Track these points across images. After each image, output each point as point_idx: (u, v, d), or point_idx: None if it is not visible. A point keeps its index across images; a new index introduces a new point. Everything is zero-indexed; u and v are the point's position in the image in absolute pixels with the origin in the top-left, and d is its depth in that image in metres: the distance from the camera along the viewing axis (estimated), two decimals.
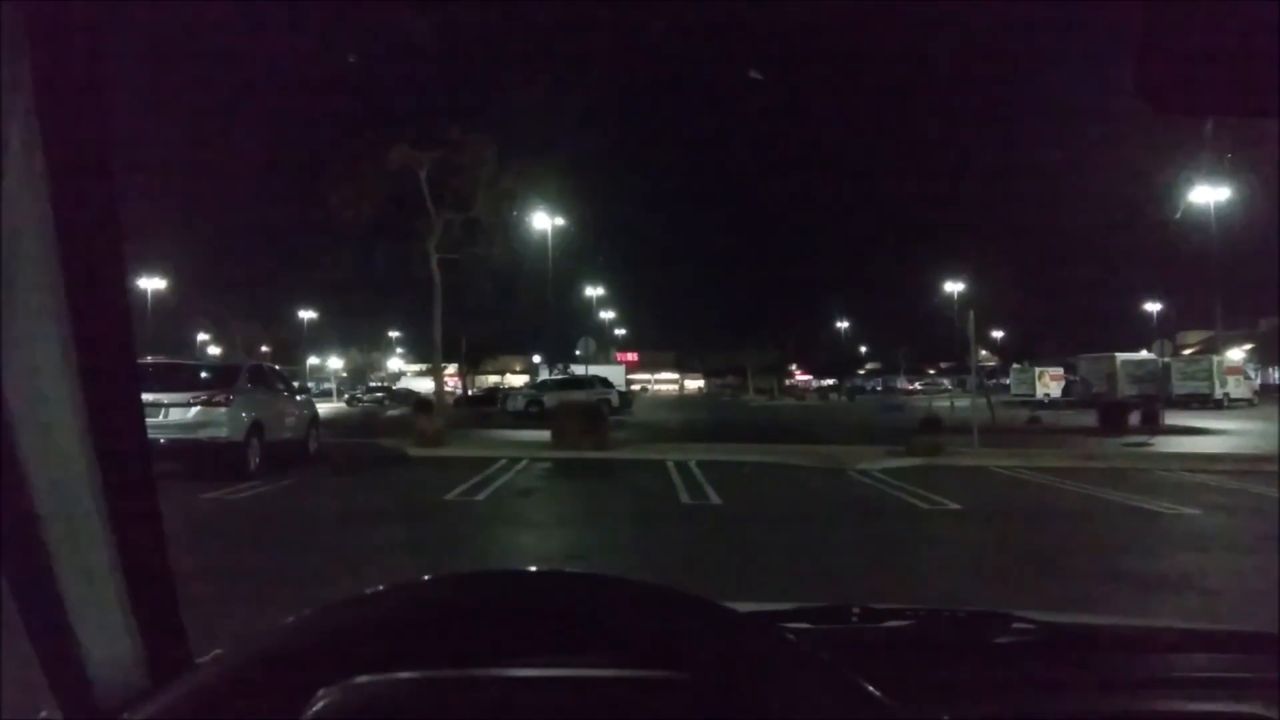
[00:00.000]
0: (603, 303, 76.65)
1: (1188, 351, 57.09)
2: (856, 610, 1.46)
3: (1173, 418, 29.89)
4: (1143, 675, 1.26)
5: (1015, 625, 1.38)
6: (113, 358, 1.02)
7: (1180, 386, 44.41)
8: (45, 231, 0.92)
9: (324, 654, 0.73)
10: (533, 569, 0.76)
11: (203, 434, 13.92)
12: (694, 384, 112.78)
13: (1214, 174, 38.91)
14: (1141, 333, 61.15)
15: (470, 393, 53.55)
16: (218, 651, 0.77)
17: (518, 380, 68.59)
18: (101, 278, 0.99)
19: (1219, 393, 44.74)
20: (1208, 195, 41.99)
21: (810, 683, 0.67)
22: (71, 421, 0.95)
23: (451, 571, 0.74)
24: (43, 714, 0.90)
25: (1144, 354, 48.38)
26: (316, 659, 0.73)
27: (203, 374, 15.43)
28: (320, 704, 0.85)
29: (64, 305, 0.94)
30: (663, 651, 0.71)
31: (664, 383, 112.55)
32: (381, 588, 0.75)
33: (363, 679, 0.87)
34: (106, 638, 0.96)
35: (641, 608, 0.71)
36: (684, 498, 12.81)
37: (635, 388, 73.68)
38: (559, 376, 44.02)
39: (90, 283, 0.97)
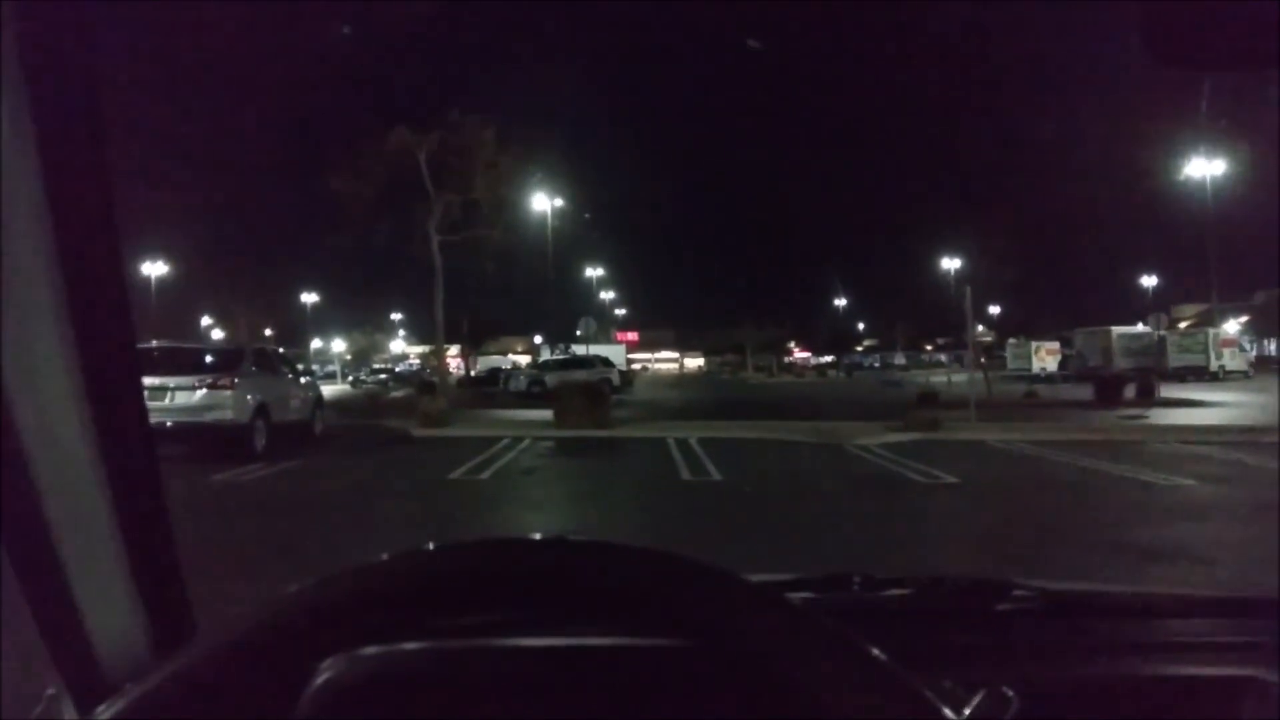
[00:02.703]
0: (603, 283, 76.80)
1: (1183, 324, 57.18)
2: (858, 579, 1.45)
3: (1168, 390, 30.00)
4: (1144, 640, 1.26)
5: (1015, 593, 1.37)
6: (111, 338, 1.01)
7: (1176, 359, 44.44)
8: (41, 220, 0.92)
9: (328, 624, 0.71)
10: (537, 536, 0.75)
11: (209, 417, 14.08)
12: (694, 362, 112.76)
13: (1211, 143, 38.89)
14: (1137, 306, 61.38)
15: (473, 373, 53.57)
16: (221, 622, 0.74)
17: (520, 360, 68.62)
18: (97, 260, 0.99)
19: (1214, 365, 44.81)
20: (1203, 167, 42.02)
21: (819, 649, 0.66)
22: (71, 400, 0.95)
23: (452, 540, 0.73)
24: (48, 690, 0.90)
25: (1140, 327, 48.50)
26: (320, 629, 0.71)
27: (207, 357, 15.56)
28: (325, 675, 0.85)
29: (61, 287, 0.94)
30: (670, 619, 0.69)
31: (664, 361, 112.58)
32: (385, 557, 0.72)
33: (368, 650, 0.88)
34: (110, 613, 0.96)
35: (648, 574, 0.69)
36: (685, 474, 12.95)
37: (636, 367, 73.87)
38: (560, 356, 44.14)
39: (87, 266, 0.96)
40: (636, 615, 0.70)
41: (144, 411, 1.09)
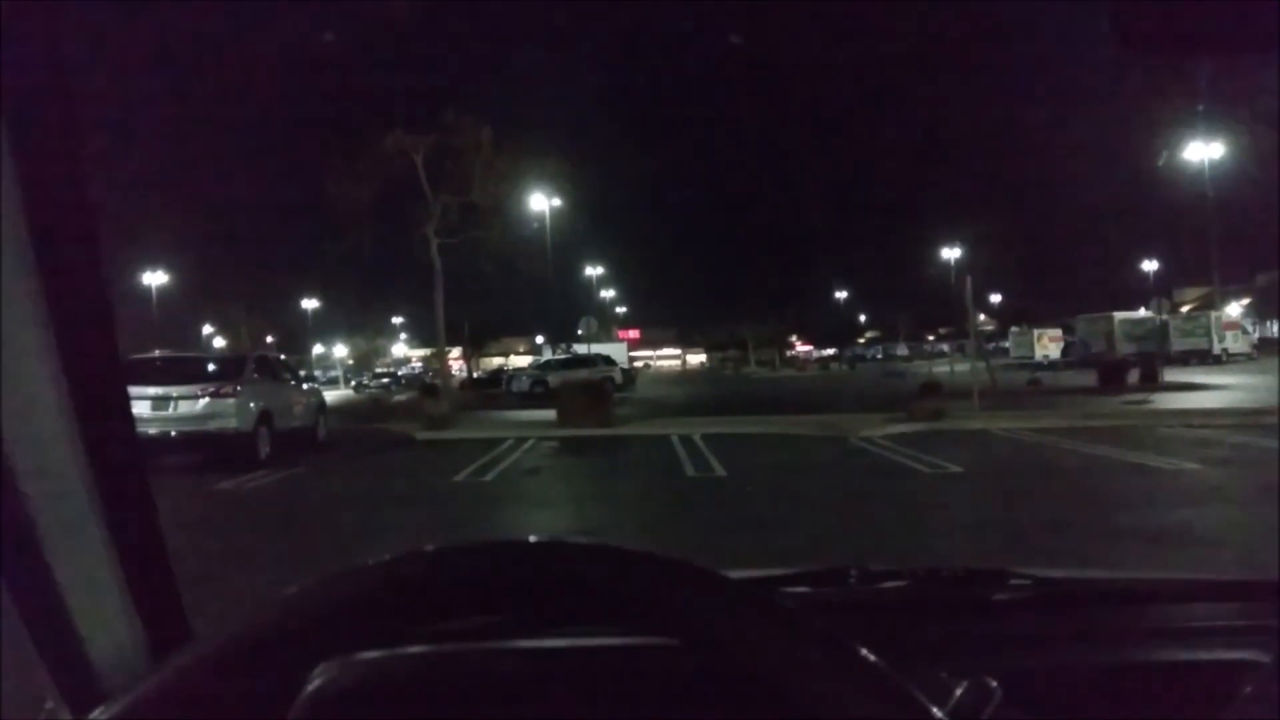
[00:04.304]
0: (603, 281, 76.85)
1: (1185, 308, 57.15)
2: (854, 573, 1.44)
3: (1172, 374, 30.04)
4: (1141, 627, 1.26)
5: (1012, 582, 1.37)
6: (96, 354, 1.00)
7: (1179, 343, 44.49)
8: (19, 235, 0.91)
9: (323, 628, 0.70)
10: (529, 539, 0.74)
11: (212, 425, 14.08)
12: (696, 359, 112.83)
13: (1209, 121, 38.82)
14: (1139, 291, 61.35)
15: (475, 375, 53.62)
16: (215, 626, 0.73)
17: (522, 361, 68.75)
18: (80, 276, 0.98)
19: (1217, 348, 44.86)
20: (1202, 149, 41.94)
21: (800, 646, 0.66)
22: (59, 419, 0.95)
23: (449, 543, 0.73)
24: (47, 705, 0.90)
25: (1142, 312, 48.54)
26: (315, 633, 0.70)
27: (210, 366, 15.59)
28: (319, 680, 0.86)
29: (45, 308, 0.93)
30: (655, 618, 0.69)
31: (666, 358, 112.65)
32: (379, 560, 0.72)
33: (364, 655, 0.88)
34: (105, 622, 0.96)
35: (633, 575, 0.70)
36: (689, 471, 12.96)
37: (638, 364, 73.96)
38: (562, 356, 44.16)
39: (69, 282, 0.96)
40: (626, 616, 0.71)
41: (131, 419, 1.09)
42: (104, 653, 0.94)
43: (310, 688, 0.86)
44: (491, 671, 0.95)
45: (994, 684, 0.82)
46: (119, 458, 1.02)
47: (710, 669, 0.70)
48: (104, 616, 0.96)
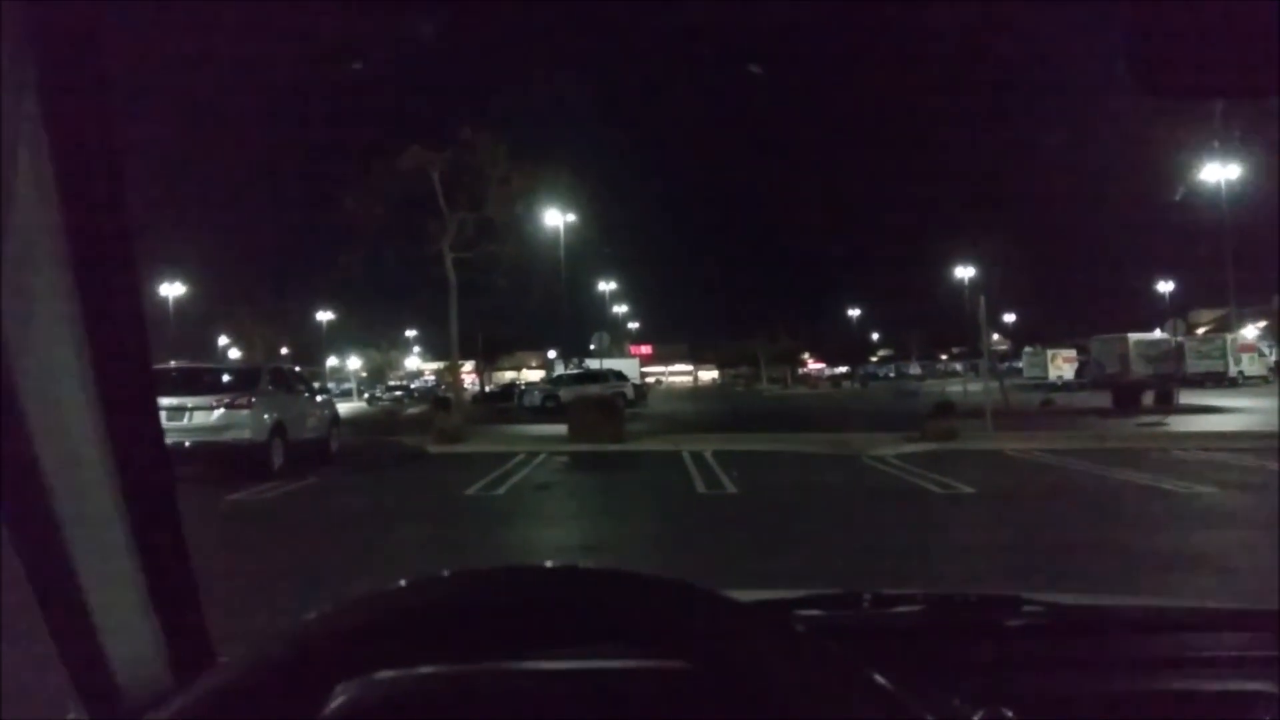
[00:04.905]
0: (616, 297, 77.08)
1: (1201, 330, 56.81)
2: (868, 596, 1.45)
3: (1187, 397, 29.85)
4: (1152, 655, 1.26)
5: (1025, 608, 1.37)
6: (128, 361, 1.01)
7: (1194, 365, 44.17)
8: (57, 238, 0.91)
9: (343, 650, 0.72)
10: (545, 565, 0.75)
11: (226, 436, 14.17)
12: (708, 375, 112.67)
13: (1225, 151, 38.69)
14: (1154, 312, 61.01)
15: (487, 389, 53.71)
16: (239, 649, 0.74)
17: (534, 375, 68.81)
18: (114, 281, 0.99)
19: (1233, 371, 44.57)
20: (1218, 173, 41.78)
21: (814, 670, 0.67)
22: (89, 425, 0.95)
23: (468, 567, 0.74)
24: (70, 716, 0.91)
25: (1157, 334, 48.17)
26: (335, 655, 0.72)
27: (225, 377, 15.67)
28: (339, 700, 0.88)
29: (78, 310, 0.93)
30: (668, 642, 0.70)
31: (678, 374, 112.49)
32: (399, 584, 0.73)
33: (382, 674, 0.90)
34: (129, 638, 0.96)
35: (646, 600, 0.71)
36: (700, 488, 12.92)
37: (650, 380, 73.91)
38: (574, 371, 44.22)
39: (103, 286, 0.96)
40: (639, 639, 0.72)
41: (161, 435, 1.09)
42: (128, 669, 0.95)
43: (332, 706, 0.87)
44: (506, 692, 0.97)
45: (1010, 714, 0.82)
46: (146, 466, 1.02)
47: (721, 692, 0.71)
48: (129, 633, 0.97)
